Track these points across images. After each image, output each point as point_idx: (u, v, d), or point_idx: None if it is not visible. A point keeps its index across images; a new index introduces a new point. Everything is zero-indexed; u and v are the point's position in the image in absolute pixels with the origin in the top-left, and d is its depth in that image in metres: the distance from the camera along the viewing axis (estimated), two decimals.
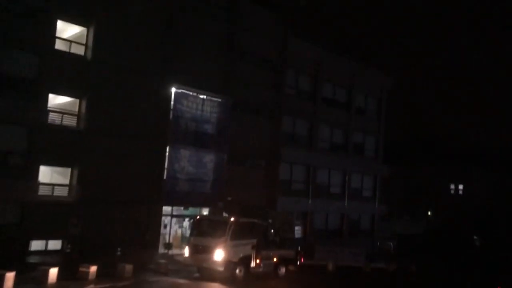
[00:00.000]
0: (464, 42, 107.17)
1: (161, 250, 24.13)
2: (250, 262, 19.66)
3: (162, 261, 20.98)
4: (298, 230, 27.05)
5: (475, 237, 46.40)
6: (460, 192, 51.92)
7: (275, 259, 21.01)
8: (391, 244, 40.58)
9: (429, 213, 52.57)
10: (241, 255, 19.34)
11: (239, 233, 19.28)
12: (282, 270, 21.51)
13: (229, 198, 22.44)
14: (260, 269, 20.13)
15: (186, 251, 19.95)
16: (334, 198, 34.76)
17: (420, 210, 51.20)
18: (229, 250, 18.84)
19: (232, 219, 19.50)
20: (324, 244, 30.28)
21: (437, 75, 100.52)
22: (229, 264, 18.88)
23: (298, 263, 22.53)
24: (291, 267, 22.27)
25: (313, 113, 33.40)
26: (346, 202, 35.51)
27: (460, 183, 51.87)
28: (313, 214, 33.02)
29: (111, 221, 21.31)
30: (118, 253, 20.39)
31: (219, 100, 26.49)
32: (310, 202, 32.58)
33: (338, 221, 35.27)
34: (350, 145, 36.55)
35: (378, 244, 36.90)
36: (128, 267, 18.51)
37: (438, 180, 51.69)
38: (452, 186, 52.33)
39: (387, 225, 42.36)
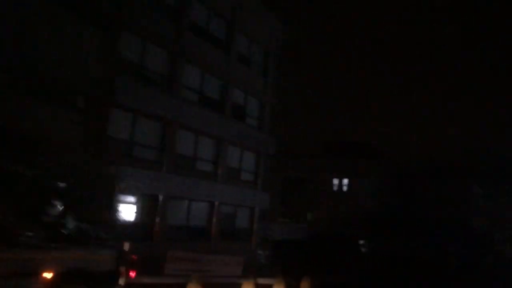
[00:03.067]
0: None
1: None
2: None
3: None
4: (133, 208, 13.90)
5: (361, 242, 40.07)
6: (345, 188, 43.40)
7: (48, 275, 8.03)
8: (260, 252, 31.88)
9: (308, 215, 43.61)
10: None
11: None
12: None
13: None
14: None
15: None
16: (201, 178, 22.51)
17: (300, 210, 41.70)
18: None
19: None
20: (183, 248, 17.98)
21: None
22: None
23: (119, 282, 9.50)
24: None
25: (175, 40, 20.95)
26: (218, 186, 23.49)
27: (345, 178, 43.38)
28: (168, 200, 20.29)
29: None
30: None
31: None
32: (163, 179, 19.88)
33: (205, 214, 23.02)
34: (228, 105, 24.73)
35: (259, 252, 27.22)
36: None
37: (319, 173, 42.74)
38: (336, 181, 43.61)
39: (261, 227, 32.59)
